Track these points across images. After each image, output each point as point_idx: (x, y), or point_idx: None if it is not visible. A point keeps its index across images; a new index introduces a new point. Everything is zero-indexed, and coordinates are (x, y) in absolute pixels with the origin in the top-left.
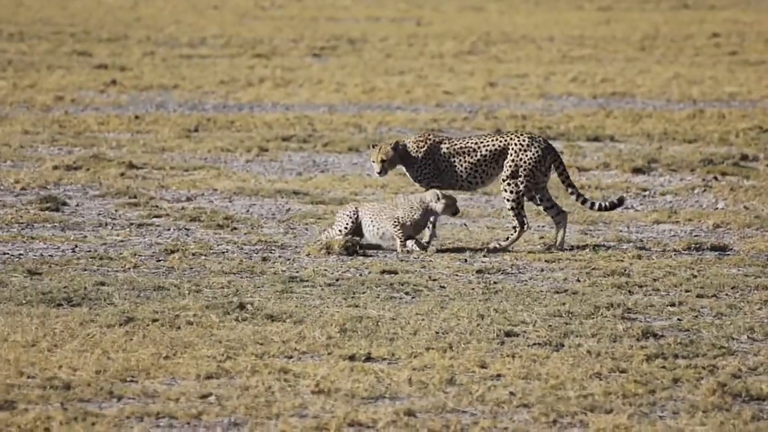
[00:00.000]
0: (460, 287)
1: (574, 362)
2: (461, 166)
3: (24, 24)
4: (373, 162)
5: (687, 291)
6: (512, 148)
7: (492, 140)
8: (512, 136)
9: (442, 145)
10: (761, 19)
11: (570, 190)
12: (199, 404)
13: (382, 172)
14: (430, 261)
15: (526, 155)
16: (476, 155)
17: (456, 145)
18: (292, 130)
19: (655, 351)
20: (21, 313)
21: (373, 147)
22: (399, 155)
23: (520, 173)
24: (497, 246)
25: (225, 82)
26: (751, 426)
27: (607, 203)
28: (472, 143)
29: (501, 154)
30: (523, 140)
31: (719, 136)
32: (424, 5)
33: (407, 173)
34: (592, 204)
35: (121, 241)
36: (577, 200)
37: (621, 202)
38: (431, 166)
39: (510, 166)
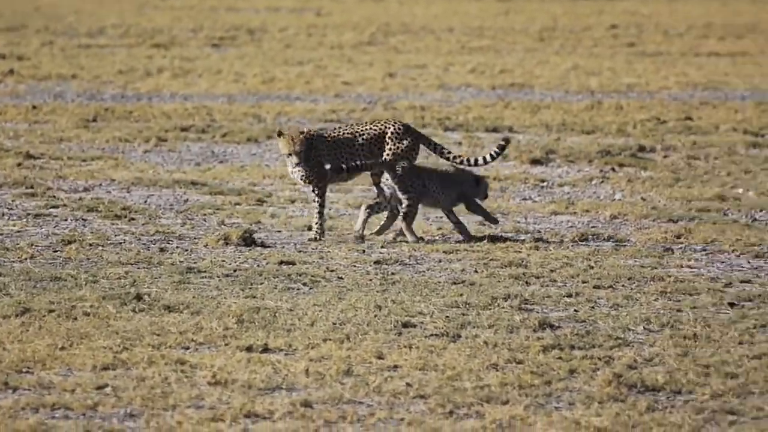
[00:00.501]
0: (357, 278)
1: (471, 353)
2: (342, 157)
3: None
4: (290, 154)
5: (584, 282)
6: (389, 136)
7: (368, 128)
8: (389, 124)
9: (321, 139)
10: (659, 11)
11: (452, 157)
12: (95, 395)
13: (301, 164)
14: (328, 252)
15: (403, 143)
16: (354, 145)
17: (333, 136)
18: (190, 120)
19: (552, 342)
20: None
21: (281, 136)
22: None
23: (398, 160)
24: (403, 234)
25: (123, 72)
26: (647, 416)
27: (493, 151)
28: (348, 133)
29: (377, 141)
30: (399, 128)
31: (617, 128)
32: None
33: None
34: (478, 160)
35: (18, 231)
36: (461, 163)
37: (506, 141)
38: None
39: (388, 154)
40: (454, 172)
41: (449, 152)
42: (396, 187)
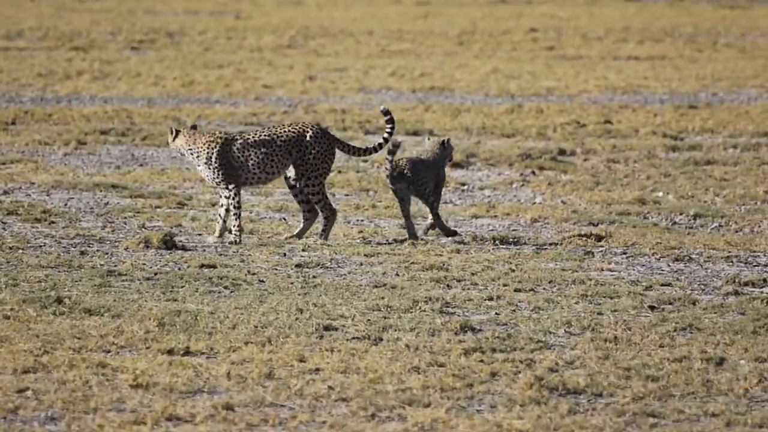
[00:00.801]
0: (279, 281)
1: (393, 356)
2: (258, 160)
3: None
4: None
5: (505, 285)
6: (307, 139)
7: (286, 131)
8: (307, 127)
9: (234, 142)
10: (578, 14)
11: (362, 150)
12: (15, 398)
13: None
14: (249, 255)
15: (321, 146)
16: (273, 147)
17: (248, 139)
18: (110, 123)
19: (473, 345)
20: None
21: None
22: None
23: (317, 163)
24: (322, 237)
25: (43, 74)
26: (568, 419)
27: (386, 131)
28: (265, 136)
29: (296, 144)
30: (318, 131)
31: (537, 131)
32: None
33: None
34: (381, 143)
35: None
36: (366, 153)
37: (386, 113)
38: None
39: (307, 157)
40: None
41: (360, 149)
42: (414, 188)
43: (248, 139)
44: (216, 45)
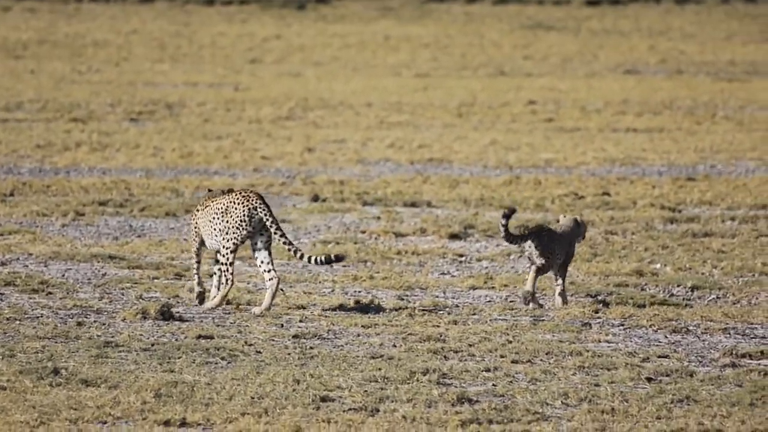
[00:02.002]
0: (276, 352)
1: (389, 427)
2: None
3: None
4: None
5: (502, 356)
6: (228, 205)
7: (221, 198)
8: (231, 194)
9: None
10: (577, 87)
11: (282, 241)
12: None
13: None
14: (246, 326)
15: (235, 211)
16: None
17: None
18: (108, 194)
19: (470, 416)
20: None
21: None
22: None
23: (229, 229)
24: (213, 303)
25: (41, 146)
26: None
27: (323, 257)
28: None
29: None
30: (236, 197)
31: (535, 202)
32: (241, 71)
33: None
34: (303, 256)
35: None
36: (289, 251)
37: (339, 259)
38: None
39: (223, 222)
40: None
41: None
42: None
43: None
44: (215, 116)
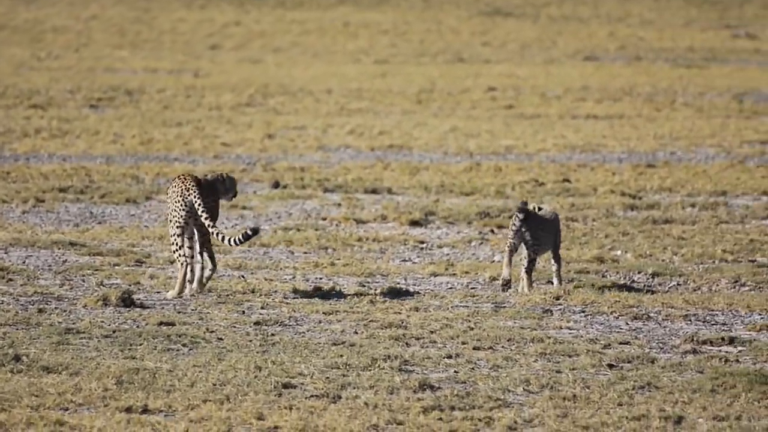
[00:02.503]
0: (237, 339)
1: (352, 414)
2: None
3: None
4: None
5: (464, 343)
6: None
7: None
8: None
9: None
10: (536, 73)
11: (207, 223)
12: None
13: None
14: (208, 313)
15: (173, 195)
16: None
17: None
18: (69, 181)
19: (432, 403)
20: None
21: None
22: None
23: (171, 213)
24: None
25: (1, 132)
26: None
27: (240, 236)
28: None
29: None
30: (173, 182)
31: (496, 189)
32: (201, 57)
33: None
34: (224, 238)
35: None
36: (213, 235)
37: (255, 232)
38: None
39: (169, 208)
40: None
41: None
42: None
43: None
44: (175, 103)
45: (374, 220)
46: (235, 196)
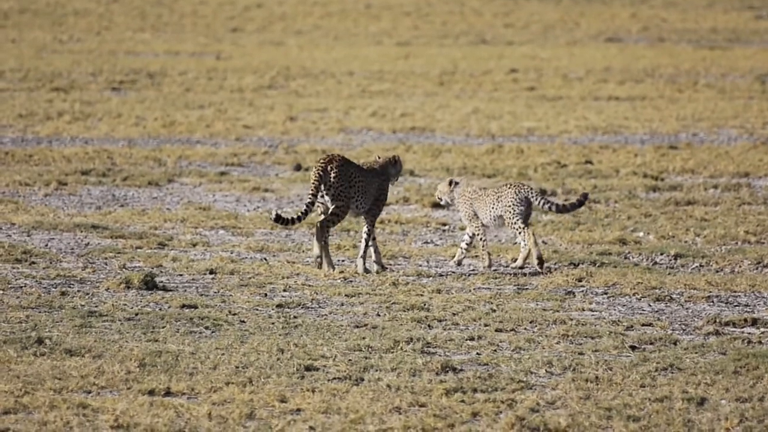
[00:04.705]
0: (260, 321)
1: (374, 396)
2: None
3: None
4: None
5: (486, 325)
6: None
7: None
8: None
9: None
10: (558, 55)
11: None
12: None
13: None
14: (230, 295)
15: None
16: None
17: None
18: (91, 164)
19: (455, 385)
20: None
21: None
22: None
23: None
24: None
25: (23, 115)
26: None
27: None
28: None
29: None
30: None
31: (518, 171)
32: (223, 39)
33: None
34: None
35: None
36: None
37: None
38: None
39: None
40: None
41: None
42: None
43: None
44: (197, 85)
45: (396, 203)
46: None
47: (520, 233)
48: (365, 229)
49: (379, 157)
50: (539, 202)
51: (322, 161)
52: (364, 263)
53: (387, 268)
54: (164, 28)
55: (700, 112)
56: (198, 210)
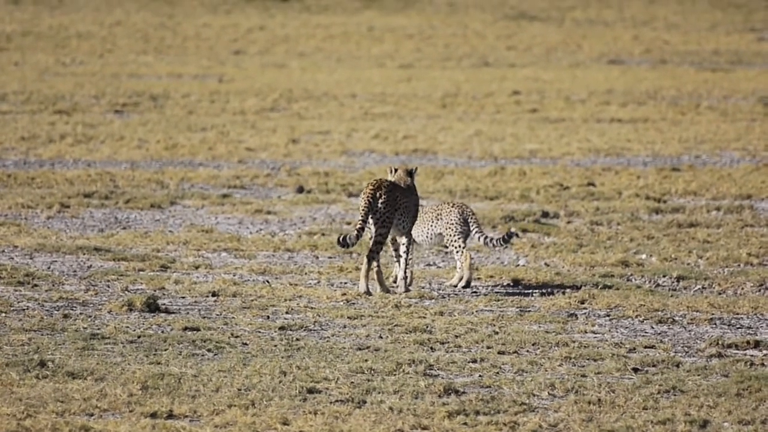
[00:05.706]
0: (262, 344)
1: (377, 419)
2: None
3: None
4: None
5: (488, 347)
6: None
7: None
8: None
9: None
10: (561, 77)
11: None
12: None
13: None
14: (233, 318)
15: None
16: None
17: None
18: (93, 186)
19: (457, 407)
20: None
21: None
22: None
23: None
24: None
25: (26, 138)
26: None
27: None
28: None
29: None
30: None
31: (520, 193)
32: (226, 62)
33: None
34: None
35: None
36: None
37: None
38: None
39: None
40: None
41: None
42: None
43: None
44: (199, 108)
45: None
46: None
47: (458, 253)
48: (403, 249)
49: (395, 170)
50: (473, 228)
51: (371, 187)
52: (405, 283)
53: (390, 291)
54: (167, 50)
55: (703, 134)
56: (200, 232)
